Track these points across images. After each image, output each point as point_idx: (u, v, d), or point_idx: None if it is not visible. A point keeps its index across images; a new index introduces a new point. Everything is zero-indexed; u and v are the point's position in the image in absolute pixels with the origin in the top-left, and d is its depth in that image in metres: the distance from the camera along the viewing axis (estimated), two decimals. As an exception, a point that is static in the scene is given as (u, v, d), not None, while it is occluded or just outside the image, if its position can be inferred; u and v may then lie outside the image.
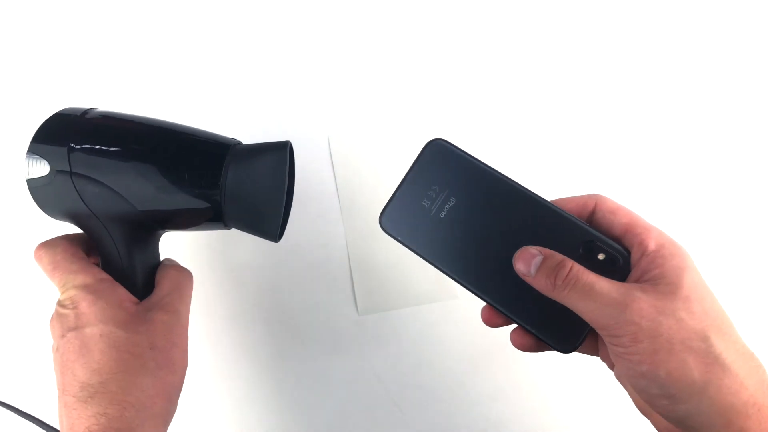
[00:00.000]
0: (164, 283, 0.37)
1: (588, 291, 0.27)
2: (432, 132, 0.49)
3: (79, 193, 0.34)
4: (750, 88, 0.52)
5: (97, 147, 0.34)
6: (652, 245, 0.29)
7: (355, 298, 0.48)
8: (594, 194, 0.32)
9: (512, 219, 0.32)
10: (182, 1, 0.51)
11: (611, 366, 0.31)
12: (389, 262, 0.48)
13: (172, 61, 0.51)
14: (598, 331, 0.28)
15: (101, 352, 0.32)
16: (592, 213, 0.32)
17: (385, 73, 0.51)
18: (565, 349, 0.31)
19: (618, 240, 0.31)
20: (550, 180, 0.50)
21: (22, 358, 0.48)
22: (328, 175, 0.49)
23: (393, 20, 0.52)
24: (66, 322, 0.33)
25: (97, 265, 0.37)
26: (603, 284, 0.27)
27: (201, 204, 0.36)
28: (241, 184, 0.35)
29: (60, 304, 0.34)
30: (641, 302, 0.26)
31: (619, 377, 0.30)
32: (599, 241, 0.30)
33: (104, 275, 0.35)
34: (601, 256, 0.30)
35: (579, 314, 0.28)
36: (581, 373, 0.48)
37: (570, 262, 0.28)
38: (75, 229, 0.38)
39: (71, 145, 0.34)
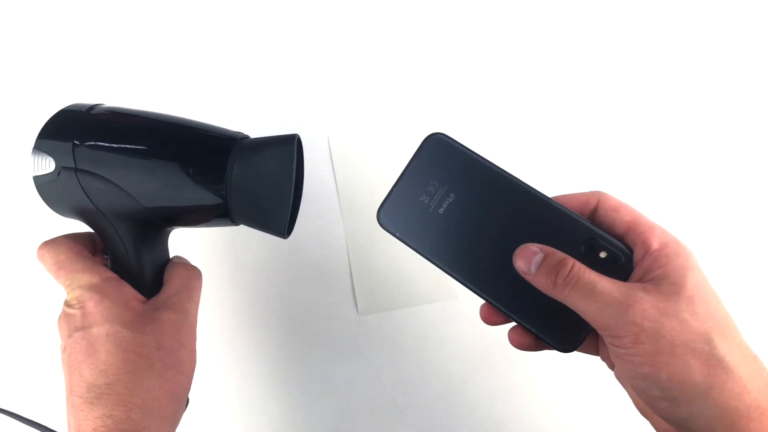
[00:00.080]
0: (173, 282, 0.36)
1: (589, 290, 0.27)
2: (432, 131, 0.48)
3: (85, 189, 0.34)
4: (756, 84, 0.52)
5: (101, 143, 0.34)
6: (655, 244, 0.28)
7: (355, 298, 0.48)
8: (596, 191, 0.31)
9: (512, 215, 0.31)
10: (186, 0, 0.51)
11: (611, 366, 0.31)
12: (389, 262, 0.48)
13: (176, 59, 0.51)
14: (599, 331, 0.28)
15: (107, 353, 0.32)
16: (594, 210, 0.31)
17: (384, 73, 0.51)
18: (565, 348, 0.31)
19: (620, 238, 0.30)
20: (551, 177, 0.50)
21: (25, 363, 0.48)
22: (328, 175, 0.49)
23: (392, 20, 0.51)
24: (73, 321, 0.33)
25: (106, 264, 0.36)
26: (605, 284, 0.27)
27: (207, 200, 0.35)
28: (247, 178, 0.34)
29: (67, 303, 0.34)
30: (643, 303, 0.26)
31: (619, 378, 0.30)
32: (601, 239, 0.30)
33: (110, 274, 0.35)
34: (602, 255, 0.30)
35: (580, 314, 0.28)
36: (582, 373, 0.48)
37: (571, 261, 0.28)
38: (83, 227, 0.37)
39: (76, 141, 0.34)
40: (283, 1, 0.51)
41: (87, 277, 0.33)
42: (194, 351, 0.36)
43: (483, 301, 0.33)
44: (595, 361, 0.33)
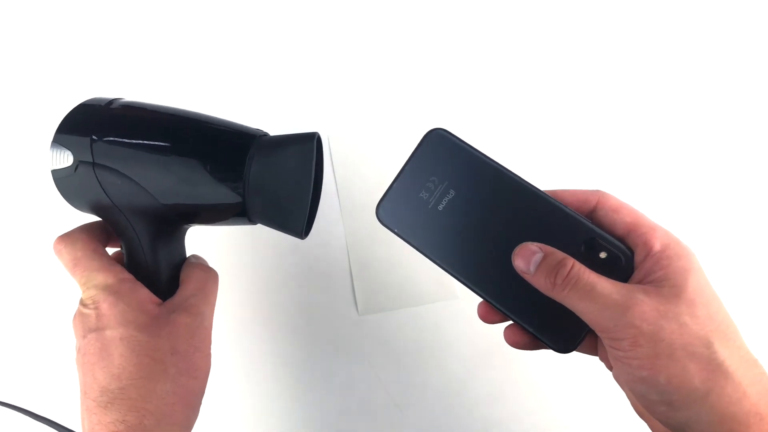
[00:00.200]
0: (189, 284, 0.36)
1: (588, 291, 0.27)
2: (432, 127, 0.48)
3: (102, 184, 0.34)
4: (760, 84, 0.51)
5: (118, 138, 0.34)
6: (657, 246, 0.28)
7: (355, 298, 0.48)
8: (596, 190, 0.31)
9: (513, 214, 0.31)
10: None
11: (610, 367, 0.30)
12: (389, 262, 0.48)
13: (175, 57, 0.51)
14: (597, 333, 0.28)
15: (121, 356, 0.31)
16: (594, 210, 0.31)
17: (384, 73, 0.51)
18: (563, 349, 0.30)
19: (621, 240, 0.30)
20: (551, 175, 0.49)
21: (41, 360, 0.48)
22: (328, 175, 0.49)
23: (392, 21, 0.51)
24: (87, 322, 0.33)
25: (120, 261, 0.36)
26: (604, 285, 0.27)
27: (224, 198, 0.34)
28: (266, 177, 0.34)
29: (82, 303, 0.34)
30: (643, 305, 0.26)
31: (617, 380, 0.30)
32: (602, 240, 0.30)
33: (126, 275, 0.34)
34: (603, 255, 0.29)
35: (578, 315, 0.28)
36: (581, 373, 0.48)
37: (571, 261, 0.28)
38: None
39: (94, 136, 0.33)
40: (286, 4, 0.51)
41: (102, 277, 0.33)
42: (209, 355, 0.36)
43: (482, 301, 0.32)
44: (595, 361, 0.32)
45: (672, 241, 0.28)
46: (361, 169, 0.49)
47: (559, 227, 0.30)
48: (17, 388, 0.48)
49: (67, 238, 0.35)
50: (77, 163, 0.33)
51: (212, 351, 0.48)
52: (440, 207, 0.31)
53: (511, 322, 0.32)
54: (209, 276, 0.37)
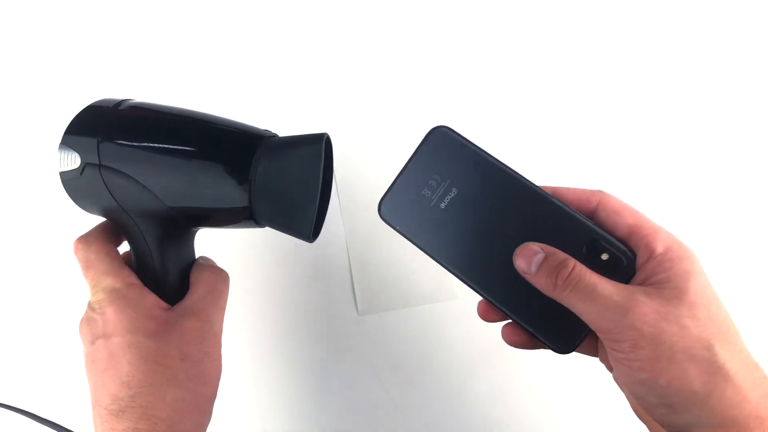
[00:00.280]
0: (199, 287, 0.35)
1: (589, 292, 0.27)
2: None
3: (108, 187, 0.33)
4: (764, 86, 0.51)
5: (125, 140, 0.34)
6: (659, 248, 0.28)
7: (355, 298, 0.48)
8: (598, 190, 0.31)
9: (515, 213, 0.31)
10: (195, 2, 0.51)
11: (610, 369, 0.30)
12: (389, 262, 0.48)
13: (178, 58, 0.51)
14: (598, 334, 0.28)
15: (129, 364, 0.31)
16: (595, 211, 0.31)
17: (385, 73, 0.51)
18: (563, 349, 0.30)
19: (623, 241, 0.30)
20: (552, 174, 0.49)
21: (45, 364, 0.48)
22: (328, 174, 0.49)
23: (393, 21, 0.51)
24: (94, 328, 0.33)
25: (130, 262, 0.36)
26: (605, 286, 0.27)
27: (230, 201, 0.34)
28: (272, 179, 0.33)
29: (90, 306, 0.34)
30: (644, 307, 0.26)
31: (617, 381, 0.29)
32: (604, 241, 0.30)
33: (134, 280, 0.34)
34: (604, 257, 0.29)
35: (579, 316, 0.27)
36: (581, 374, 0.48)
37: (572, 261, 0.28)
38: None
39: (101, 137, 0.33)
40: (287, 4, 0.51)
41: (110, 281, 0.33)
42: (219, 359, 0.35)
43: (482, 299, 0.32)
44: (595, 362, 0.32)
45: (674, 244, 0.28)
46: (362, 168, 0.49)
47: (561, 228, 0.30)
48: (19, 390, 0.48)
49: (84, 239, 0.35)
50: (84, 165, 0.33)
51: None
52: (442, 205, 0.31)
53: (509, 320, 0.32)
54: (219, 278, 0.37)
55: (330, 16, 0.51)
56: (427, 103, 0.50)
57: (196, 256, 0.39)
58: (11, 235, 0.50)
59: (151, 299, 0.33)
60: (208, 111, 0.39)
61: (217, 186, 0.33)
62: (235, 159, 0.33)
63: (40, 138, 0.50)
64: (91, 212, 0.36)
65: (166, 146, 0.33)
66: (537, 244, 0.29)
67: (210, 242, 0.48)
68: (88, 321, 0.33)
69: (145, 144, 0.34)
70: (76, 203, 0.35)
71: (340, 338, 0.48)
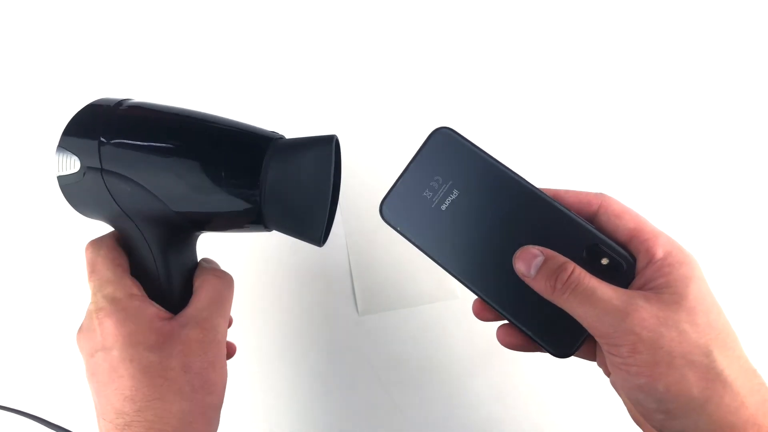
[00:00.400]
0: (202, 294, 0.34)
1: (588, 296, 0.27)
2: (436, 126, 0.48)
3: (111, 192, 0.32)
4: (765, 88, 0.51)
5: (128, 141, 0.32)
6: (659, 253, 0.28)
7: (355, 298, 0.48)
8: (599, 194, 0.31)
9: (516, 216, 0.31)
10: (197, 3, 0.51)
11: (608, 373, 0.30)
12: (389, 262, 0.48)
13: (180, 57, 0.50)
14: (597, 339, 0.28)
15: (132, 378, 0.30)
16: (596, 214, 0.31)
17: (385, 73, 0.50)
18: (561, 353, 0.30)
19: (623, 246, 0.30)
20: (555, 177, 0.49)
21: (45, 366, 0.49)
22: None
23: (393, 22, 0.51)
24: (93, 340, 0.32)
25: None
26: (605, 290, 0.27)
27: (239, 205, 0.32)
28: (282, 182, 0.32)
29: (88, 314, 0.33)
30: (643, 311, 0.25)
31: (614, 386, 0.29)
32: (604, 245, 0.29)
33: (135, 290, 0.33)
34: (604, 261, 0.29)
35: (578, 320, 0.27)
36: (581, 376, 0.47)
37: (572, 265, 0.28)
38: (107, 228, 0.36)
39: (102, 138, 0.31)
40: (288, 5, 0.51)
41: (111, 289, 0.32)
42: (224, 367, 0.34)
43: (477, 297, 0.32)
44: (593, 366, 0.32)
45: (674, 249, 0.28)
46: (363, 169, 0.49)
47: (561, 231, 0.30)
48: (21, 392, 0.48)
49: (95, 242, 0.34)
50: (85, 169, 0.32)
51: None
52: (443, 207, 0.31)
53: (504, 321, 0.32)
54: (223, 283, 0.35)
55: (330, 16, 0.51)
56: (429, 104, 0.50)
57: (201, 259, 0.38)
58: (15, 238, 0.50)
59: (152, 310, 0.32)
60: (208, 109, 0.39)
61: (226, 191, 0.32)
62: (245, 162, 0.32)
63: (38, 138, 0.50)
64: (89, 217, 0.35)
65: (173, 148, 0.32)
66: (537, 247, 0.29)
67: (210, 243, 0.48)
68: (86, 332, 0.32)
69: (150, 146, 0.32)
70: (76, 209, 0.34)
71: (340, 338, 0.48)
